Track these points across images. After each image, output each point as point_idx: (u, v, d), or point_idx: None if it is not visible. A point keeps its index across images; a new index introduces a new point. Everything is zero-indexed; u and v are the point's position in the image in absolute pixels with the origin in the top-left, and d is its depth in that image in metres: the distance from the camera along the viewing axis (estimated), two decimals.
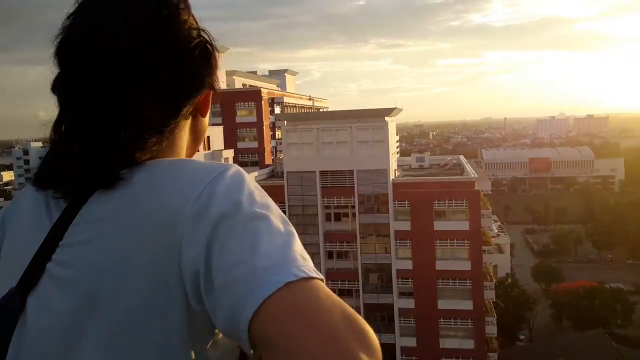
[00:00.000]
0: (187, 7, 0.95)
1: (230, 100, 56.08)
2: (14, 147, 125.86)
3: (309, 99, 76.17)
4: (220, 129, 50.32)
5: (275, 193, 41.05)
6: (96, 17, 0.88)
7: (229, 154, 49.02)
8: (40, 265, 0.82)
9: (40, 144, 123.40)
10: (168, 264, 0.76)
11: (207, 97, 0.99)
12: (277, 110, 61.30)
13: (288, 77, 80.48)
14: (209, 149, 46.86)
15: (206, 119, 1.02)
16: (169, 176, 0.84)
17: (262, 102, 57.34)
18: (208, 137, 47.28)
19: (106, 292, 0.77)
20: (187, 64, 0.91)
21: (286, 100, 64.56)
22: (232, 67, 66.49)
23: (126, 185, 0.82)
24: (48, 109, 0.92)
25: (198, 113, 0.99)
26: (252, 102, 57.28)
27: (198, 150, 1.07)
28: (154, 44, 0.88)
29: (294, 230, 0.79)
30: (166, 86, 0.89)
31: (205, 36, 0.96)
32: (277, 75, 78.86)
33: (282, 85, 74.86)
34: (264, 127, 57.50)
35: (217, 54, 0.97)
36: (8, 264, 0.88)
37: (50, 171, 0.89)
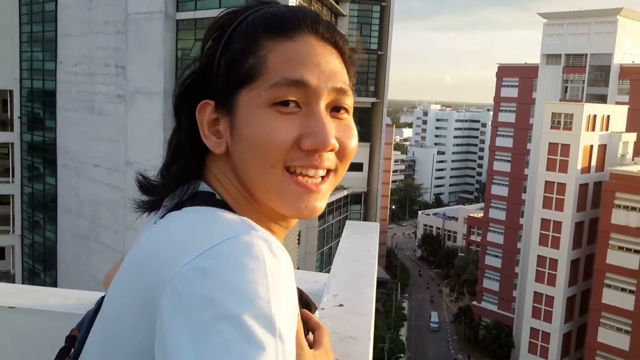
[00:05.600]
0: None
1: None
2: (417, 107, 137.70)
3: None
4: (624, 108, 45.03)
5: None
6: None
7: (630, 137, 43.91)
8: None
9: (439, 106, 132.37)
10: (148, 325, 0.68)
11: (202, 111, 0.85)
12: None
13: None
14: (606, 129, 42.42)
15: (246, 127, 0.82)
16: (166, 232, 0.76)
17: None
18: (608, 116, 42.81)
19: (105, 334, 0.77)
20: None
21: None
22: None
23: (145, 232, 0.82)
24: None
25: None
26: None
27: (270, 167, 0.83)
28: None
29: (275, 341, 0.62)
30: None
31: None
32: None
33: None
34: None
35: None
36: None
37: None
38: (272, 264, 0.66)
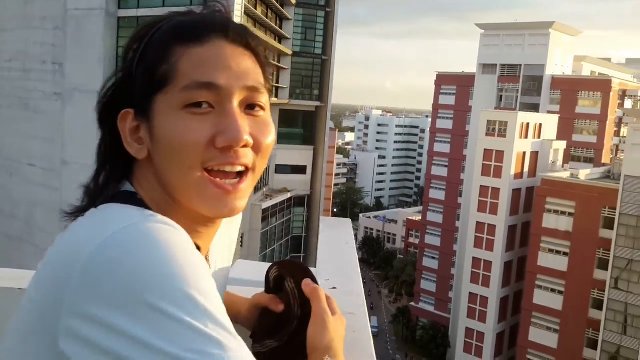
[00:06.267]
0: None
1: (573, 88, 52.14)
2: (359, 112, 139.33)
3: None
4: (555, 117, 47.22)
5: (607, 196, 38.16)
6: None
7: (560, 145, 45.98)
8: None
9: (380, 112, 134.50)
10: (48, 321, 0.72)
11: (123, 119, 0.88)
12: (628, 104, 54.28)
13: None
14: (538, 137, 44.34)
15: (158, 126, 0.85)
16: (73, 229, 0.81)
17: (611, 93, 51.41)
18: (540, 124, 44.77)
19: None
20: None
21: None
22: (583, 52, 61.48)
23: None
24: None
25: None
26: (598, 93, 52.20)
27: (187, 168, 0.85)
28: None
29: (197, 311, 0.67)
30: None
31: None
32: (636, 65, 69.57)
33: None
34: (607, 122, 51.91)
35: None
36: None
37: None
38: (174, 243, 0.70)
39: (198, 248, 0.83)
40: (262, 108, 0.86)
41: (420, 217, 66.24)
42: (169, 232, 0.72)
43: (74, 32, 23.15)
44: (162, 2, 22.06)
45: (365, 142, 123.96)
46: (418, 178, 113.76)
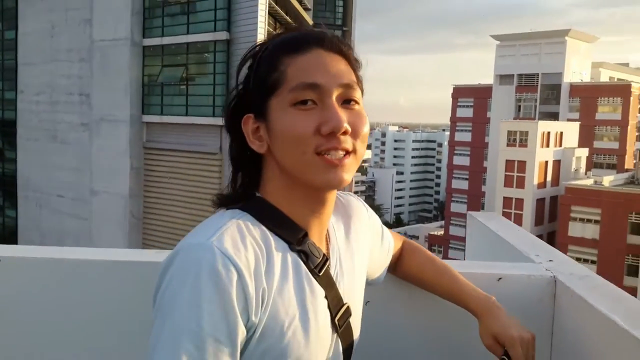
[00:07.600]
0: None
1: (592, 94, 51.76)
2: (374, 129, 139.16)
3: None
4: (575, 125, 46.85)
5: (633, 202, 37.69)
6: None
7: (582, 152, 45.53)
8: None
9: (396, 128, 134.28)
10: None
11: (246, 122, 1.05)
12: None
13: None
14: (560, 145, 43.99)
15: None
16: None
17: (631, 98, 50.94)
18: (561, 132, 44.47)
19: None
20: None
21: None
22: (600, 59, 61.20)
23: None
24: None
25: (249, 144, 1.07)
26: (618, 98, 51.72)
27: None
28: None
29: (191, 351, 0.85)
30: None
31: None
32: None
33: None
34: (629, 127, 51.20)
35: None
36: None
37: None
38: (196, 277, 0.87)
39: (305, 236, 1.02)
40: (356, 102, 1.02)
41: (442, 232, 65.66)
42: (205, 263, 0.88)
43: (99, 63, 23.41)
44: (187, 29, 22.29)
45: (382, 159, 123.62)
46: (437, 192, 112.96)
